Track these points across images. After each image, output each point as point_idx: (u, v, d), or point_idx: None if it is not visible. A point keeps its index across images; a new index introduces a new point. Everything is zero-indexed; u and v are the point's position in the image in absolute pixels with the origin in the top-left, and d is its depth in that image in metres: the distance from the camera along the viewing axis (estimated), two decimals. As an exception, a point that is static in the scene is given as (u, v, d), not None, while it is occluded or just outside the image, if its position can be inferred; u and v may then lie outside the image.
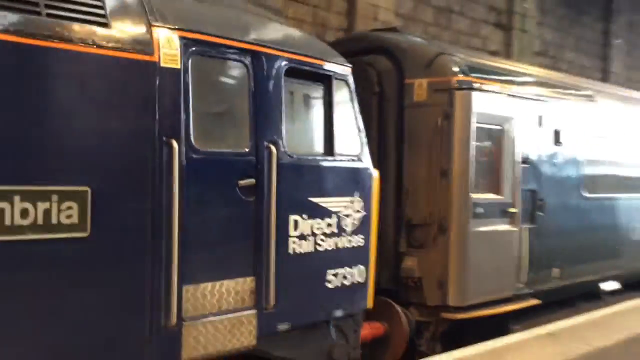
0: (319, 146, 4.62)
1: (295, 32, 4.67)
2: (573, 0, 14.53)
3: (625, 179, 8.23)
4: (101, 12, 3.42)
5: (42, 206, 3.11)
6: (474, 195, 5.82)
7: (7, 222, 3.01)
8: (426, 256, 5.80)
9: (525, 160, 6.43)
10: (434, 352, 5.64)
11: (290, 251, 4.26)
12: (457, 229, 5.72)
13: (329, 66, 4.70)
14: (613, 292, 8.16)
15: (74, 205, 3.21)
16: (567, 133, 7.06)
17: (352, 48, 6.03)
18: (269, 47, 4.21)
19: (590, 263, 7.47)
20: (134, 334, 3.47)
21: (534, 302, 6.52)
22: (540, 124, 6.70)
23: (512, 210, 6.23)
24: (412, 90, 5.93)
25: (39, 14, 3.19)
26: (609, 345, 5.14)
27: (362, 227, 4.82)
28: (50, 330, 3.15)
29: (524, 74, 7.08)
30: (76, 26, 3.28)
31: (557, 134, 6.93)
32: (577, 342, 5.16)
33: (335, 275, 4.61)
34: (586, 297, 7.77)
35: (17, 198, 3.04)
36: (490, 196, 6.05)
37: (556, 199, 6.85)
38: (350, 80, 4.86)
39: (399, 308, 5.65)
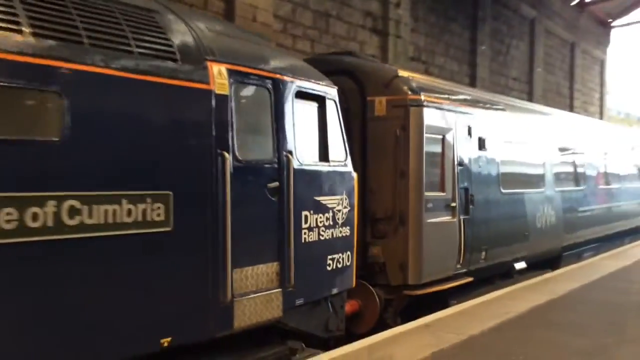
0: (317, 154, 5.63)
1: (297, 60, 5.66)
2: (442, 9, 14.90)
3: (529, 177, 9.93)
4: (172, 49, 4.23)
5: (140, 207, 3.90)
6: (427, 193, 7.08)
7: (118, 220, 3.77)
8: (389, 244, 6.98)
9: (460, 163, 7.81)
10: (396, 324, 6.81)
11: (303, 240, 5.24)
12: (414, 221, 6.95)
13: (323, 88, 5.73)
14: (521, 271, 9.80)
15: (162, 206, 4.02)
16: (488, 140, 8.55)
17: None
18: (284, 75, 5.17)
19: (506, 246, 9.03)
20: (201, 307, 4.31)
21: (468, 279, 7.91)
22: (469, 133, 8.12)
23: (453, 204, 7.57)
24: (373, 106, 7.10)
25: (131, 52, 3.96)
26: (478, 333, 5.59)
27: (348, 220, 5.89)
28: (142, 296, 3.93)
29: (456, 91, 8.49)
30: (157, 62, 4.09)
31: (481, 141, 8.39)
32: (450, 332, 5.59)
33: (332, 259, 5.65)
34: (502, 275, 9.33)
35: (124, 201, 3.81)
36: (437, 193, 7.35)
37: (482, 195, 8.30)
38: (337, 99, 5.93)
39: (372, 288, 6.78)
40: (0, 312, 3.23)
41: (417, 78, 7.68)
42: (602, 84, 26.46)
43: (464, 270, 7.90)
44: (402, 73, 7.45)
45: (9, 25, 3.36)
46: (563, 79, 22.53)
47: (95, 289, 3.67)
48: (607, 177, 13.43)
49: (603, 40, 26.01)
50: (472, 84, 15.47)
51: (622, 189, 14.20)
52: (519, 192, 9.44)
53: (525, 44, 19.48)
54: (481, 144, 8.39)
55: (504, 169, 8.99)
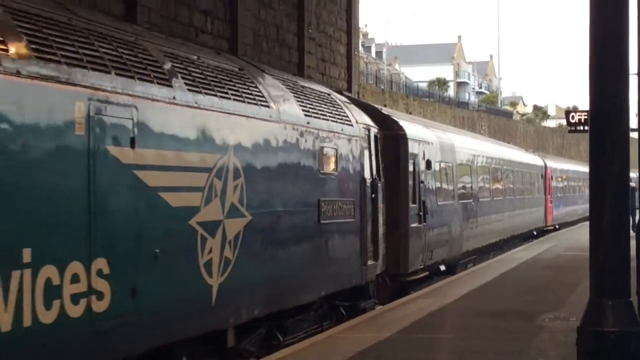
0: (377, 173, 13.25)
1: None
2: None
3: (451, 191, 18.51)
4: (350, 121, 11.63)
5: (348, 207, 11.23)
6: (410, 204, 15.05)
7: (343, 213, 11.06)
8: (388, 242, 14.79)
9: (421, 181, 15.93)
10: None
11: (379, 232, 12.83)
12: (404, 226, 14.86)
13: (374, 130, 13.40)
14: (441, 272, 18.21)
15: (352, 206, 11.40)
16: (432, 161, 16.82)
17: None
18: (370, 125, 12.76)
19: (439, 248, 17.35)
20: (360, 265, 11.73)
21: (426, 273, 16.05)
22: (423, 156, 16.31)
23: (420, 213, 15.65)
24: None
25: (343, 123, 11.29)
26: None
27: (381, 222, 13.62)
28: (351, 256, 11.28)
29: (413, 122, 16.68)
30: (349, 128, 11.47)
31: (428, 162, 16.63)
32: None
33: (381, 248, 13.32)
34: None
35: (347, 203, 11.13)
36: (413, 205, 15.34)
37: (430, 206, 16.51)
38: (378, 135, 13.63)
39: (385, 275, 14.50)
40: (325, 252, 10.45)
41: (397, 114, 15.71)
42: (350, 29, 24.20)
43: (423, 265, 16.04)
44: (388, 112, 15.39)
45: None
46: (287, 19, 20.64)
47: (343, 249, 10.96)
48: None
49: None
50: (130, 16, 13.78)
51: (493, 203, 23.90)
52: (446, 203, 17.99)
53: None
54: (428, 165, 16.67)
55: (438, 185, 17.42)
